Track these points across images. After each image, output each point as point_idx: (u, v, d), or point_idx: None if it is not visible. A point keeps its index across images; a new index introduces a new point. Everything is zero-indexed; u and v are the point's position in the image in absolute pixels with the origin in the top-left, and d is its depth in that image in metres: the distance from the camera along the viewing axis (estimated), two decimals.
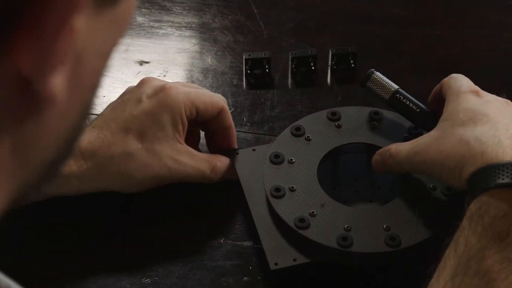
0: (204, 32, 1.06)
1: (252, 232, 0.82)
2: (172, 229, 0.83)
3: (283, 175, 0.82)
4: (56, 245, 0.82)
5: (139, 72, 1.00)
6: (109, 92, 0.98)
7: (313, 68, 0.99)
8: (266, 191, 0.81)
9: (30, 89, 0.38)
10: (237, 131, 0.89)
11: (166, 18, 1.08)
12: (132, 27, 1.07)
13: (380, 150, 0.81)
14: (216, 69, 1.01)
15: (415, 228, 0.77)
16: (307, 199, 0.80)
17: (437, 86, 0.83)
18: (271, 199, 0.80)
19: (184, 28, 1.07)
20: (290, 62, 0.99)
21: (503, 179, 0.66)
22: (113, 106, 0.84)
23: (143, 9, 1.10)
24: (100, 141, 0.80)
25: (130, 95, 0.84)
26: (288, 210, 0.79)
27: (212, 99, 0.85)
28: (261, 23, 1.07)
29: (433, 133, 0.76)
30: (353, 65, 0.99)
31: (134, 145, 0.80)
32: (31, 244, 0.82)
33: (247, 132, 0.92)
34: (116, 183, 0.81)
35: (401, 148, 0.78)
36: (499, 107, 0.75)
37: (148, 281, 0.79)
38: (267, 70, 0.99)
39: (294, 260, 0.76)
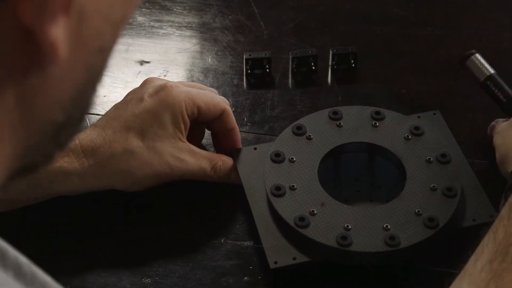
0: (205, 32, 1.06)
1: (252, 232, 0.82)
2: (173, 229, 0.83)
3: (284, 174, 0.82)
4: (57, 244, 0.82)
5: (139, 72, 1.00)
6: (109, 92, 0.98)
7: (313, 68, 0.99)
8: (266, 189, 0.81)
9: (32, 40, 0.38)
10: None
11: (166, 18, 1.08)
12: (133, 26, 1.07)
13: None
14: (217, 69, 1.01)
15: (415, 228, 0.77)
16: (307, 198, 0.80)
17: None
18: (272, 198, 0.80)
19: (184, 28, 1.07)
20: (290, 62, 0.99)
21: None
22: (116, 106, 0.84)
23: (143, 9, 1.10)
24: (102, 139, 0.81)
25: (132, 95, 0.84)
26: (288, 209, 0.79)
27: (214, 100, 0.85)
28: (261, 23, 1.07)
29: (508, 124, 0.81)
30: (353, 65, 0.99)
31: (135, 143, 0.80)
32: (31, 243, 0.82)
33: (248, 132, 0.92)
34: (118, 181, 0.81)
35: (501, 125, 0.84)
36: None
37: (148, 280, 0.79)
38: (267, 70, 0.99)
39: (294, 259, 0.76)
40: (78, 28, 0.40)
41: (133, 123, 0.81)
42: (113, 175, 0.81)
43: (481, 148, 0.90)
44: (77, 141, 0.80)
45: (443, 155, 0.83)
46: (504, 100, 0.87)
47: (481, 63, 0.90)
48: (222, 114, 0.85)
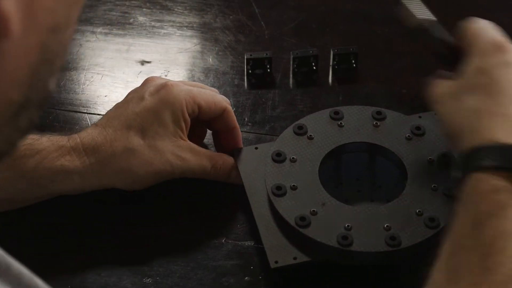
0: (206, 32, 1.06)
1: (253, 232, 0.82)
2: (173, 228, 0.83)
3: (285, 174, 0.82)
4: (57, 244, 0.82)
5: (140, 72, 1.00)
6: (110, 91, 0.98)
7: (314, 68, 0.99)
8: (267, 189, 0.81)
9: None
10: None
11: (167, 18, 1.08)
12: (134, 26, 1.07)
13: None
14: (218, 69, 1.01)
15: (416, 228, 0.77)
16: (308, 198, 0.80)
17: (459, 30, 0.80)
18: (273, 197, 0.80)
19: (185, 28, 1.07)
20: (291, 62, 0.99)
21: (489, 161, 0.66)
22: (117, 105, 0.85)
23: (144, 9, 1.10)
24: (103, 137, 0.81)
25: (133, 94, 0.84)
26: (289, 209, 0.79)
27: (215, 98, 0.85)
28: (262, 23, 1.07)
29: (451, 89, 0.75)
30: (354, 65, 0.99)
31: (136, 141, 0.80)
32: (32, 243, 0.82)
33: (249, 132, 0.92)
34: (119, 180, 0.81)
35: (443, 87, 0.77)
36: None
37: (149, 280, 0.79)
38: (268, 70, 0.99)
39: (295, 258, 0.76)
40: (30, 4, 0.40)
41: (134, 122, 0.81)
42: (114, 173, 0.81)
43: None
44: (78, 140, 0.80)
45: (444, 155, 0.83)
46: (450, 43, 0.82)
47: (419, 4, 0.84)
48: (223, 113, 0.85)
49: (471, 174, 0.67)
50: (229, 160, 0.85)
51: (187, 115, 0.82)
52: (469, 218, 0.65)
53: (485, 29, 0.77)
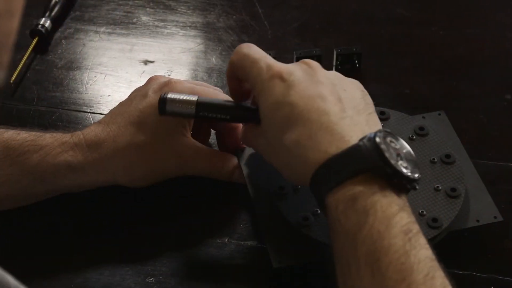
0: (209, 32, 1.06)
1: (256, 232, 0.82)
2: (176, 228, 0.83)
3: None
4: (59, 243, 0.82)
5: (143, 72, 1.01)
6: (113, 91, 0.98)
7: None
8: (270, 189, 0.81)
9: None
10: None
11: (170, 17, 1.09)
12: (137, 26, 1.07)
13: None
14: (221, 69, 1.01)
15: None
16: (310, 198, 0.79)
17: (229, 67, 0.78)
18: (275, 198, 0.80)
19: (188, 28, 1.07)
20: (294, 62, 0.99)
21: (331, 181, 0.67)
22: (121, 103, 0.85)
23: (147, 9, 1.10)
24: (106, 134, 0.81)
25: (137, 92, 0.84)
26: (292, 209, 0.79)
27: (218, 97, 0.85)
28: (265, 22, 1.07)
29: (263, 140, 0.75)
30: (357, 65, 0.99)
31: (138, 137, 0.80)
32: (34, 242, 0.82)
33: None
34: (121, 176, 0.81)
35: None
36: (304, 90, 0.72)
37: (152, 280, 0.79)
38: None
39: (298, 258, 0.76)
40: None
41: (137, 118, 0.81)
42: (116, 169, 0.81)
43: (485, 148, 0.90)
44: (81, 136, 0.81)
45: (448, 156, 0.83)
46: (228, 117, 0.79)
47: (180, 99, 0.79)
48: None
49: (326, 200, 0.67)
50: (232, 159, 0.85)
51: None
52: (344, 239, 0.65)
53: (257, 59, 0.75)
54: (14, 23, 0.45)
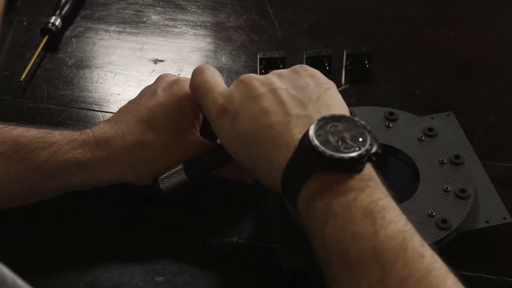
0: (219, 31, 1.06)
1: (264, 232, 0.82)
2: (185, 227, 0.83)
3: None
4: (69, 242, 0.82)
5: (153, 71, 1.01)
6: (123, 90, 0.98)
7: (327, 68, 0.99)
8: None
9: None
10: None
11: (181, 17, 1.09)
12: (147, 25, 1.07)
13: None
14: (231, 68, 1.01)
15: (428, 229, 0.77)
16: None
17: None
18: (285, 199, 0.80)
19: (198, 27, 1.07)
20: (304, 62, 0.99)
21: (291, 184, 0.68)
22: (130, 101, 0.85)
23: (157, 8, 1.10)
24: (115, 131, 0.81)
25: (146, 90, 0.85)
26: None
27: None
28: (275, 22, 1.07)
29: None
30: (367, 65, 0.99)
31: (147, 135, 0.81)
32: (44, 241, 0.82)
33: None
34: (130, 173, 0.81)
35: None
36: (247, 114, 0.73)
37: (161, 279, 0.79)
38: None
39: (307, 259, 0.76)
40: None
41: (146, 116, 0.81)
42: (124, 167, 0.81)
43: (494, 150, 0.90)
44: (90, 134, 0.81)
45: (457, 157, 0.83)
46: (215, 160, 0.81)
47: (169, 174, 0.81)
48: None
49: (294, 208, 0.68)
50: None
51: (198, 110, 0.83)
52: (315, 241, 0.66)
53: (205, 95, 0.78)
54: None
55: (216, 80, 0.78)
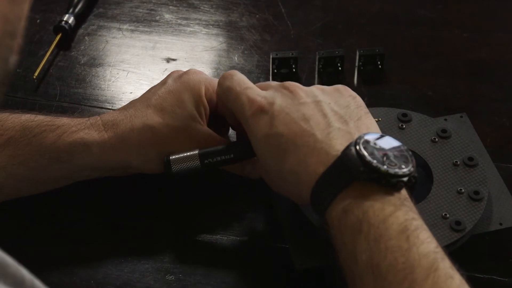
0: (232, 31, 1.06)
1: (276, 231, 0.82)
2: (196, 227, 0.83)
3: None
4: (80, 240, 0.82)
5: (166, 69, 1.01)
6: (136, 88, 0.98)
7: (340, 68, 0.99)
8: None
9: None
10: None
11: (193, 16, 1.09)
12: (160, 24, 1.07)
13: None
14: (243, 68, 1.01)
15: (442, 231, 0.76)
16: None
17: (217, 98, 0.82)
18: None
19: (211, 26, 1.07)
20: (317, 62, 0.99)
21: (325, 195, 0.68)
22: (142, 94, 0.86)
23: (170, 7, 1.10)
24: (123, 116, 0.82)
25: (158, 83, 0.86)
26: None
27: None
28: (288, 22, 1.07)
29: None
30: (380, 66, 0.99)
31: (155, 119, 0.81)
32: (54, 238, 0.83)
33: None
34: (135, 156, 0.81)
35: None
36: (287, 117, 0.73)
37: (172, 278, 0.79)
38: (294, 70, 0.99)
39: (320, 260, 0.76)
40: None
41: (154, 101, 0.82)
42: (131, 148, 0.81)
43: (508, 152, 0.90)
44: (98, 118, 0.82)
45: (470, 159, 0.82)
46: (232, 156, 0.80)
47: (183, 156, 0.80)
48: None
49: (324, 218, 0.68)
50: None
51: (205, 101, 0.83)
52: (344, 251, 0.66)
53: (235, 95, 0.77)
54: (25, 8, 0.45)
55: (250, 82, 0.79)
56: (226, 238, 0.82)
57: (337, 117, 0.73)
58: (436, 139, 0.85)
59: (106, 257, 0.81)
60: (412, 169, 0.68)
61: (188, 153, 0.80)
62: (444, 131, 0.85)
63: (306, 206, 0.79)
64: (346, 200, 0.66)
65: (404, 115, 0.87)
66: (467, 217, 0.77)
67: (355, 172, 0.67)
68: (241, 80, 0.79)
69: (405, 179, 0.67)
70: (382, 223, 0.64)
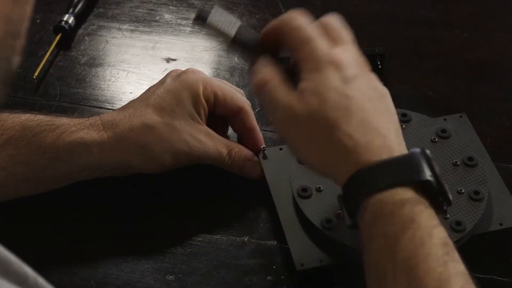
0: None
1: (276, 231, 0.82)
2: (196, 226, 0.83)
3: (310, 175, 0.81)
4: (80, 240, 0.82)
5: (166, 69, 1.01)
6: (136, 88, 0.98)
7: None
8: (293, 191, 0.81)
9: None
10: (263, 130, 0.89)
11: (193, 15, 1.08)
12: (160, 24, 1.07)
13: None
14: (243, 68, 1.01)
15: None
16: (334, 200, 0.79)
17: (271, 29, 0.73)
18: (298, 199, 0.80)
19: None
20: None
21: (384, 181, 0.65)
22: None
23: (170, 7, 1.10)
24: (122, 115, 0.82)
25: (157, 82, 0.86)
26: (315, 211, 0.79)
27: (234, 95, 0.86)
28: None
29: (293, 112, 0.69)
30: (380, 66, 0.99)
31: (154, 118, 0.81)
32: (55, 238, 0.83)
33: (273, 132, 0.92)
34: (135, 156, 0.82)
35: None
36: (362, 89, 0.69)
37: (172, 278, 0.79)
38: None
39: (320, 261, 0.76)
40: None
41: (153, 101, 0.83)
42: (131, 148, 0.81)
43: (507, 152, 0.89)
44: (98, 118, 0.82)
45: (470, 158, 0.82)
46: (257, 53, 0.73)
47: (225, 14, 0.74)
48: (240, 112, 0.86)
49: (368, 200, 0.65)
50: (244, 149, 0.85)
51: (203, 100, 0.83)
52: (383, 241, 0.64)
53: (311, 37, 0.71)
54: (28, 9, 0.45)
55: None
56: (226, 238, 0.82)
57: (395, 119, 0.71)
58: (436, 139, 0.85)
59: (106, 257, 0.81)
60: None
61: (231, 18, 0.74)
62: (444, 131, 0.85)
63: (307, 208, 0.79)
64: (406, 194, 0.65)
65: (404, 115, 0.87)
66: (467, 217, 0.77)
67: (424, 177, 0.65)
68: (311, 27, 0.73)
69: (448, 207, 0.68)
70: (429, 229, 0.63)
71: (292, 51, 0.72)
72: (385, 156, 0.66)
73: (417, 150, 0.67)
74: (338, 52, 0.70)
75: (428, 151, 0.67)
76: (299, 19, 0.73)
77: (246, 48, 0.75)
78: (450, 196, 0.67)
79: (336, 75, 0.69)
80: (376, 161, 0.66)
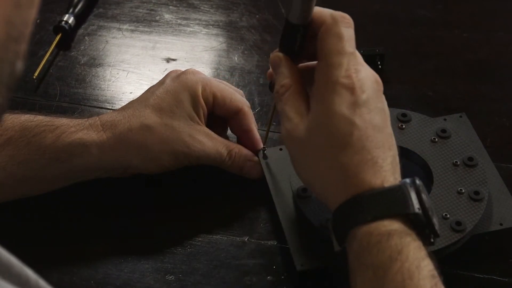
0: (232, 31, 1.06)
1: (276, 232, 0.82)
2: (197, 227, 0.83)
3: None
4: (80, 240, 0.82)
5: (166, 69, 1.01)
6: (136, 88, 0.98)
7: None
8: (293, 191, 0.81)
9: None
10: (263, 130, 0.89)
11: (193, 16, 1.09)
12: (160, 24, 1.07)
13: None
14: (243, 68, 1.01)
15: (442, 232, 0.76)
16: None
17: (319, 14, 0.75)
18: (298, 200, 0.80)
19: (211, 26, 1.07)
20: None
21: (373, 212, 0.65)
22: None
23: (170, 7, 1.10)
24: (121, 116, 0.82)
25: (156, 83, 0.86)
26: (315, 211, 0.79)
27: (233, 96, 0.86)
28: None
29: (300, 133, 0.71)
30: (380, 66, 0.99)
31: (153, 118, 0.82)
32: (55, 238, 0.82)
33: (273, 132, 0.92)
34: (135, 156, 0.82)
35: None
36: (368, 115, 0.69)
37: (172, 278, 0.79)
38: None
39: (321, 261, 0.76)
40: None
41: (152, 102, 0.83)
42: (130, 148, 0.81)
43: (507, 152, 0.89)
44: (97, 118, 0.82)
45: (470, 159, 0.82)
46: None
47: None
48: (238, 113, 0.86)
49: (356, 229, 0.66)
50: (244, 150, 0.85)
51: (202, 101, 0.83)
52: (371, 273, 0.64)
53: (343, 55, 0.71)
54: (32, 13, 0.45)
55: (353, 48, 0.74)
56: (226, 238, 0.82)
57: (393, 143, 0.71)
58: (436, 139, 0.85)
59: (106, 257, 0.81)
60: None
61: None
62: (443, 131, 0.85)
63: (307, 208, 0.79)
64: (393, 225, 0.65)
65: (404, 115, 0.87)
66: (467, 218, 0.77)
67: (413, 210, 0.66)
68: (352, 42, 0.73)
69: (434, 239, 0.68)
70: (417, 261, 0.63)
71: (320, 51, 0.72)
72: (376, 186, 0.67)
73: (408, 181, 0.67)
74: (357, 75, 0.70)
75: (418, 181, 0.68)
76: (347, 28, 0.74)
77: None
78: (438, 229, 0.67)
79: (347, 99, 0.69)
80: (366, 191, 0.66)
